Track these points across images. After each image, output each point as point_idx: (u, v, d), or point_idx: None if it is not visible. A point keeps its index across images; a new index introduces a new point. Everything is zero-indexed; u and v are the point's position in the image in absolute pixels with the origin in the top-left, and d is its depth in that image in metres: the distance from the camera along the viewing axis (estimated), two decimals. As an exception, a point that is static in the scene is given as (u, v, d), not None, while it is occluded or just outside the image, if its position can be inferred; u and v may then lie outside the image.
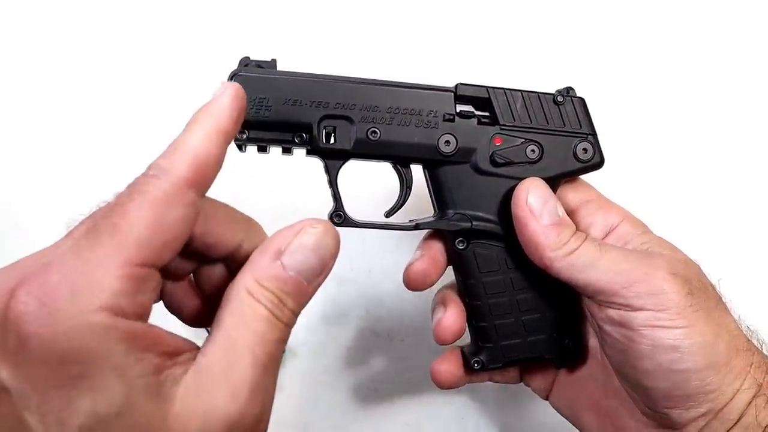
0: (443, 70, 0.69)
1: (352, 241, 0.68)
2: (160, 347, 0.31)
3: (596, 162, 0.50)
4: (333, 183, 0.48)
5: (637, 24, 0.72)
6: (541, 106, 0.49)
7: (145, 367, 0.30)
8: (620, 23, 0.73)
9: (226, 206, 0.39)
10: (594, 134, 0.50)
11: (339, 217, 0.48)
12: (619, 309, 0.44)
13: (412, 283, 0.51)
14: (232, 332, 0.33)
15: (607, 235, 0.49)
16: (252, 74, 0.45)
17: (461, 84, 0.49)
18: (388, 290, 0.70)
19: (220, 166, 0.35)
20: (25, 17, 0.71)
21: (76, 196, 0.70)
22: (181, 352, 0.32)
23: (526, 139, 0.49)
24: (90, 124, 0.70)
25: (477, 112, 0.49)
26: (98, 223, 0.31)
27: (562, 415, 0.54)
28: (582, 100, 0.50)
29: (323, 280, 0.37)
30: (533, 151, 0.49)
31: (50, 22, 0.71)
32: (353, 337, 0.71)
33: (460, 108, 0.49)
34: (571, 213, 0.50)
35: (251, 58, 0.46)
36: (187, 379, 0.31)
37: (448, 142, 0.48)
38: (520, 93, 0.49)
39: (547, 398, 0.55)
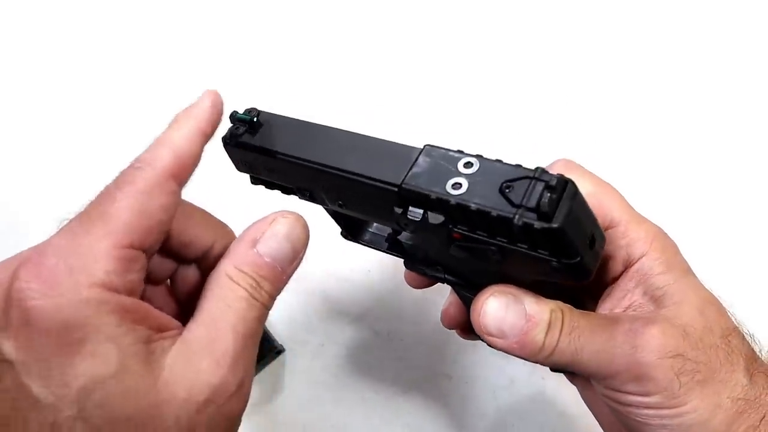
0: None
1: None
2: (148, 321, 0.34)
3: (573, 280, 0.38)
4: (331, 214, 0.51)
5: (631, 49, 0.72)
6: (504, 226, 0.36)
7: (136, 337, 0.33)
8: (615, 38, 0.72)
9: (202, 210, 0.44)
10: (570, 258, 0.36)
11: (344, 235, 0.51)
12: (607, 388, 0.42)
13: (408, 282, 0.54)
14: (215, 312, 0.37)
15: (623, 272, 0.44)
16: (233, 146, 0.46)
17: (404, 185, 0.38)
18: (388, 290, 0.70)
19: (198, 163, 0.39)
20: (21, 19, 0.71)
21: (76, 195, 0.70)
22: (168, 329, 0.36)
23: (486, 241, 0.38)
24: (88, 125, 0.70)
25: (429, 213, 0.39)
26: (89, 211, 0.35)
27: (590, 409, 0.52)
28: (555, 230, 0.34)
29: (297, 266, 0.41)
30: (495, 253, 0.38)
31: (48, 26, 0.71)
32: (353, 336, 0.71)
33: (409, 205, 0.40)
34: None
35: (239, 113, 0.47)
36: (175, 350, 0.35)
37: (406, 224, 0.41)
38: (477, 208, 0.36)
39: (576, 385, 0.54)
